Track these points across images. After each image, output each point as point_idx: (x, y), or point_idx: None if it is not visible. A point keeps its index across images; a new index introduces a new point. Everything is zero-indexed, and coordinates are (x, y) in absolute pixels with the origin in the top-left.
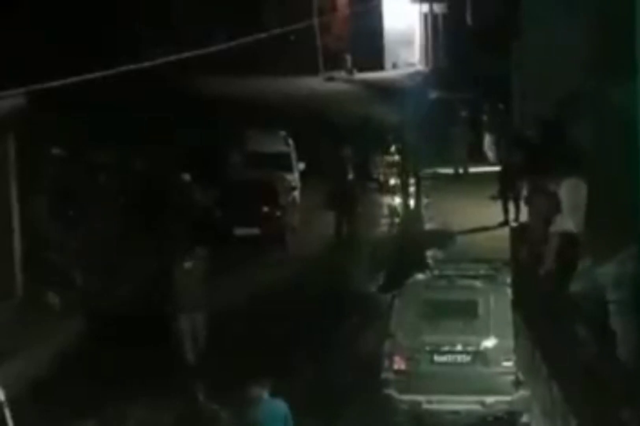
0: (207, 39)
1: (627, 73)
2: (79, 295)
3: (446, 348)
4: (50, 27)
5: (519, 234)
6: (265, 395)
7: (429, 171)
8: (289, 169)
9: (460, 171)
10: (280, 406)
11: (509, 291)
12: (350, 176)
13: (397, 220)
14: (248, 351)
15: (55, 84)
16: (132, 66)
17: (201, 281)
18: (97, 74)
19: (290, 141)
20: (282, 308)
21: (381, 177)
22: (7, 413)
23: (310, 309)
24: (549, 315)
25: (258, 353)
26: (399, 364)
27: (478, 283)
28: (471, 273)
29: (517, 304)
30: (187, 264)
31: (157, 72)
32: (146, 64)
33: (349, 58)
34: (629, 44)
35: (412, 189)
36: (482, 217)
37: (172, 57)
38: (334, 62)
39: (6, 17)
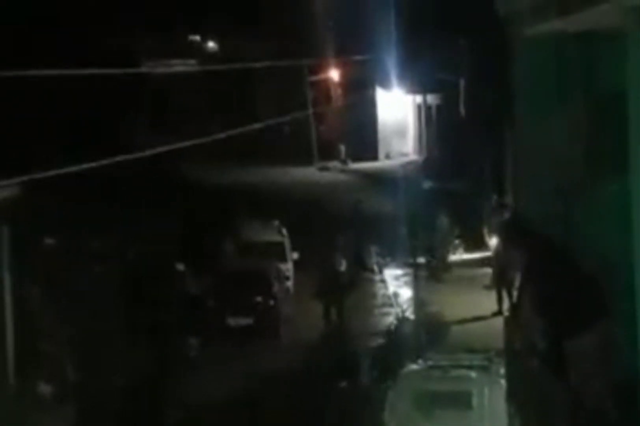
0: (202, 129)
1: (620, 168)
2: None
3: None
4: (44, 117)
5: (513, 324)
6: None
7: (421, 260)
8: (283, 258)
9: (452, 259)
10: None
11: (503, 382)
12: (343, 266)
13: (390, 310)
14: None
15: (50, 173)
16: (127, 156)
17: None
18: (91, 164)
19: (284, 230)
20: (276, 400)
21: (375, 267)
22: None
23: (304, 401)
24: (543, 406)
25: None
26: None
27: (472, 374)
28: (465, 363)
29: (511, 395)
30: None
31: (152, 161)
32: (140, 153)
33: (343, 148)
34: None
35: (406, 278)
36: (475, 306)
37: (168, 147)
38: (328, 152)
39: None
